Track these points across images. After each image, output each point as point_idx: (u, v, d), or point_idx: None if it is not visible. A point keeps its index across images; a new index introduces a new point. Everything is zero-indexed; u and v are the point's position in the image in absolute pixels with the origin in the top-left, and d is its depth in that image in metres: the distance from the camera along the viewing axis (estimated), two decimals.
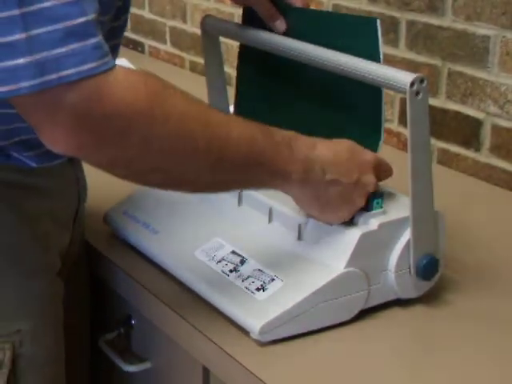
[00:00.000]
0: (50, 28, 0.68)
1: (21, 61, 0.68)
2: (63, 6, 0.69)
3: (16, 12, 0.68)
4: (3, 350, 0.87)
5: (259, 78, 1.06)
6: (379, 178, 0.90)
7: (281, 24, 0.97)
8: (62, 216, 0.95)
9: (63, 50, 0.69)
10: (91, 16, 0.70)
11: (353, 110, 0.95)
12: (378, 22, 0.89)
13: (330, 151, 0.86)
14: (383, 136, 0.92)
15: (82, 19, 0.69)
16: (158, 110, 0.74)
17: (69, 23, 0.69)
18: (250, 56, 1.06)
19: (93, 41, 0.70)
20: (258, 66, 1.06)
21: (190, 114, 0.77)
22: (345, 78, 0.90)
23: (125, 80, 0.72)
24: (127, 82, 0.72)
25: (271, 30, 0.99)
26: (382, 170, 0.90)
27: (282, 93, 1.04)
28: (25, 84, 0.69)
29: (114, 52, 0.89)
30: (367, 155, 0.89)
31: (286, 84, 1.03)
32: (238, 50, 1.08)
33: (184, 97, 0.78)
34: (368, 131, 0.93)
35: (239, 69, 1.08)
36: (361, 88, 0.91)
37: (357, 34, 0.91)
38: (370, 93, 0.91)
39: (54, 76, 0.69)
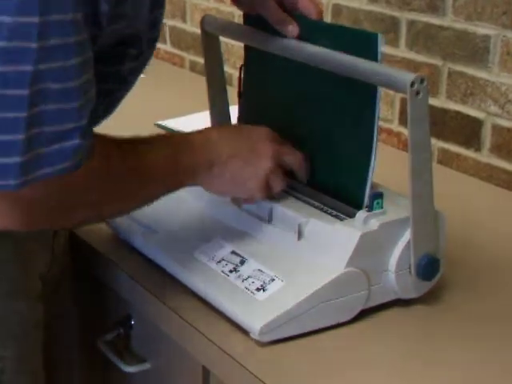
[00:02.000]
0: (44, 130, 0.72)
1: (12, 160, 0.71)
2: (64, 112, 0.73)
3: (23, 114, 0.70)
4: None
5: (263, 78, 1.06)
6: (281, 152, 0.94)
7: (293, 29, 0.97)
8: (41, 234, 0.94)
9: (47, 150, 0.73)
10: (81, 122, 0.75)
11: (346, 114, 0.95)
12: (380, 37, 0.89)
13: (219, 133, 0.92)
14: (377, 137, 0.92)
15: (72, 125, 0.74)
16: (103, 182, 0.82)
17: (61, 127, 0.73)
18: (254, 56, 1.05)
19: (74, 143, 0.74)
20: (263, 67, 1.05)
21: (117, 176, 0.83)
22: (343, 78, 0.90)
23: (83, 169, 0.77)
24: (84, 170, 0.77)
25: (273, 31, 0.98)
26: (280, 143, 0.95)
27: (282, 93, 1.03)
28: (12, 182, 0.71)
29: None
30: (256, 129, 0.95)
31: (287, 85, 1.03)
32: (238, 49, 1.08)
33: (120, 157, 0.83)
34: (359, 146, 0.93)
35: (245, 68, 1.07)
36: (356, 89, 0.91)
37: (357, 48, 0.90)
38: (365, 93, 0.91)
39: (37, 174, 0.73)
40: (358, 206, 0.91)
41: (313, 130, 0.97)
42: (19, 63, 0.69)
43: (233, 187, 0.92)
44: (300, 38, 0.95)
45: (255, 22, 1.01)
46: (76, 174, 0.75)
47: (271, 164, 0.92)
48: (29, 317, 0.91)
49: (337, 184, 0.95)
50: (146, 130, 0.91)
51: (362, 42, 0.90)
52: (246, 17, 1.04)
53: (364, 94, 0.91)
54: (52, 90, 0.71)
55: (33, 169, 0.72)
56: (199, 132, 0.92)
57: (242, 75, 1.07)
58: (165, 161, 0.87)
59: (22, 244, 0.90)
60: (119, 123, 0.98)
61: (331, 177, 0.96)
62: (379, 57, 0.88)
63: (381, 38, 0.89)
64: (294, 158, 0.95)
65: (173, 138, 0.92)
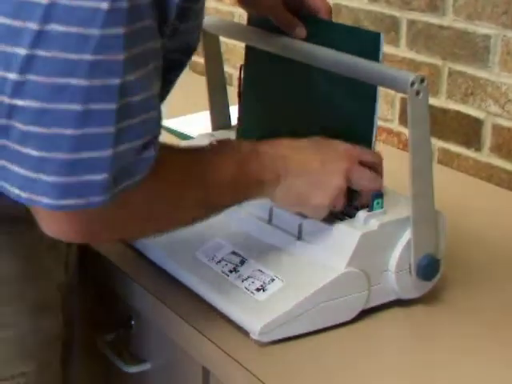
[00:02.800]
0: (133, 144, 0.71)
1: (99, 177, 0.69)
2: (148, 121, 0.72)
3: (112, 129, 0.69)
4: None
5: (263, 79, 1.06)
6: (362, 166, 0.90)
7: (301, 31, 0.96)
8: (57, 245, 0.92)
9: (131, 163, 0.72)
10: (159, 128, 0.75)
11: (347, 108, 0.95)
12: (382, 36, 0.89)
13: (287, 148, 0.88)
14: (376, 131, 0.92)
15: (153, 134, 0.74)
16: (163, 195, 0.79)
17: (147, 138, 0.73)
18: (256, 56, 1.05)
19: (152, 154, 0.74)
20: (263, 67, 1.05)
21: (186, 184, 0.81)
22: (343, 78, 0.90)
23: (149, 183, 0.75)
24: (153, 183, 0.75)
25: (277, 32, 0.98)
26: (364, 159, 0.90)
27: (283, 94, 1.03)
28: (96, 199, 0.70)
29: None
30: (333, 144, 0.90)
31: (287, 85, 1.03)
32: (238, 49, 1.08)
33: (185, 165, 0.81)
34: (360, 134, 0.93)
35: (245, 69, 1.07)
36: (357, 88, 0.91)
37: (358, 47, 0.90)
38: (365, 92, 0.91)
39: (116, 190, 0.71)
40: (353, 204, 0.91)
41: (312, 129, 0.97)
42: (107, 77, 0.67)
43: (297, 203, 0.88)
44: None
45: (259, 22, 1.00)
46: (143, 185, 0.74)
47: (340, 183, 0.87)
48: (51, 330, 0.91)
49: None
50: None
51: (363, 41, 0.90)
52: (250, 17, 1.04)
53: (363, 93, 0.91)
54: (136, 101, 0.70)
55: (117, 183, 0.71)
56: (268, 143, 0.88)
57: (242, 75, 1.07)
58: (232, 170, 0.84)
59: (40, 258, 0.89)
60: None
61: None
62: (381, 56, 0.89)
63: (382, 38, 0.89)
64: (367, 182, 0.89)
65: (241, 147, 0.87)
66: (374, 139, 0.92)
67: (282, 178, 0.86)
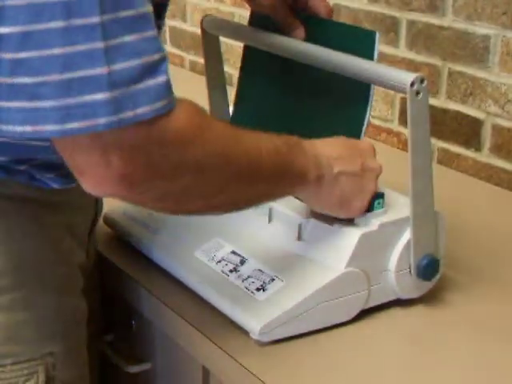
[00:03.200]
0: (130, 63, 0.67)
1: (99, 96, 0.66)
2: (143, 41, 0.68)
3: (100, 45, 0.66)
4: (36, 373, 0.86)
5: (261, 78, 1.06)
6: None
7: (299, 32, 0.96)
8: (79, 231, 0.94)
9: (140, 86, 0.67)
10: (164, 53, 0.69)
11: (341, 107, 0.95)
12: (377, 34, 0.89)
13: (329, 147, 0.87)
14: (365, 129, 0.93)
15: (157, 55, 0.69)
16: (208, 138, 0.74)
17: (146, 59, 0.68)
18: (254, 56, 1.06)
19: (164, 78, 0.69)
20: (261, 66, 1.05)
21: (229, 138, 0.78)
22: (342, 77, 0.90)
23: (182, 116, 0.71)
24: (184, 118, 0.72)
25: (276, 32, 0.98)
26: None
27: (281, 93, 1.03)
28: (103, 120, 0.66)
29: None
30: (362, 143, 0.91)
31: (286, 84, 1.03)
32: (238, 49, 1.08)
33: (219, 121, 0.79)
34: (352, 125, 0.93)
35: (243, 69, 1.07)
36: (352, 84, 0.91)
37: (354, 45, 0.91)
38: (361, 89, 0.92)
39: (130, 114, 0.67)
40: None
41: (310, 128, 0.97)
42: None
43: (338, 206, 0.88)
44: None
45: (260, 23, 1.01)
46: (176, 125, 0.70)
47: (374, 187, 0.89)
48: (75, 310, 0.91)
49: None
50: None
51: (359, 39, 0.90)
52: (252, 16, 1.04)
53: (357, 91, 0.91)
54: (125, 16, 0.67)
55: (125, 106, 0.67)
56: (309, 142, 0.86)
57: (239, 74, 1.07)
58: (277, 152, 0.81)
59: (63, 241, 0.90)
60: None
61: None
62: (375, 54, 0.89)
63: (378, 36, 0.89)
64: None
65: (285, 137, 0.84)
66: (362, 137, 0.93)
67: (325, 178, 0.85)
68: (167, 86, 0.69)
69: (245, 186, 0.80)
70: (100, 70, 0.66)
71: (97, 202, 0.99)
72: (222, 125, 0.78)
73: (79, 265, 0.94)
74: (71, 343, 0.90)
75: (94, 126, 0.66)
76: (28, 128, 0.67)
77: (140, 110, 0.67)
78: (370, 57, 0.89)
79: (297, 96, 1.01)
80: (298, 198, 0.90)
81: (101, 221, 1.07)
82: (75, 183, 0.87)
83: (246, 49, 1.06)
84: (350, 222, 0.89)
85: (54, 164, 0.85)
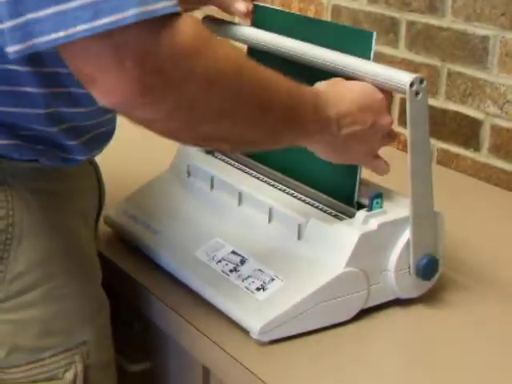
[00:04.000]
0: None
1: None
2: None
3: None
4: (74, 363, 0.87)
5: None
6: None
7: (240, 6, 0.98)
8: (88, 219, 0.95)
9: None
10: None
11: None
12: (374, 35, 0.90)
13: (344, 103, 0.87)
14: None
15: None
16: (219, 49, 0.73)
17: None
18: (257, 56, 1.06)
19: None
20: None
21: (243, 58, 0.78)
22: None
23: (189, 20, 0.70)
24: (191, 22, 0.71)
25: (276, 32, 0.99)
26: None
27: None
28: (130, 12, 0.65)
29: None
30: (378, 94, 0.89)
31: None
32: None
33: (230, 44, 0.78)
34: None
35: None
36: None
37: (350, 46, 0.91)
38: None
39: (153, 7, 0.66)
40: (350, 202, 0.92)
41: None
42: None
43: (347, 158, 0.90)
44: (294, 35, 0.96)
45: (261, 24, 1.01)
46: (186, 30, 0.69)
47: (383, 138, 0.91)
48: (99, 297, 0.92)
49: (332, 181, 0.96)
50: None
51: (356, 40, 0.91)
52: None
53: None
54: None
55: (147, 1, 0.66)
56: (323, 95, 0.86)
57: None
58: (289, 96, 0.81)
59: (78, 230, 0.90)
60: (119, 123, 0.98)
61: (326, 175, 0.96)
62: (371, 55, 0.89)
63: (375, 37, 0.89)
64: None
65: (298, 86, 0.83)
66: None
67: (333, 137, 0.86)
68: None
69: (253, 113, 0.78)
70: None
71: (100, 186, 0.98)
72: (233, 46, 0.77)
73: (95, 251, 0.95)
74: (99, 330, 0.91)
75: (122, 19, 0.65)
76: (61, 33, 0.66)
77: (160, 5, 0.66)
78: (366, 57, 0.89)
79: None
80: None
81: (101, 220, 1.07)
82: (98, 150, 0.88)
83: (249, 51, 1.07)
84: (349, 221, 0.90)
85: (80, 130, 0.85)
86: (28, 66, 0.78)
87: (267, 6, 1.05)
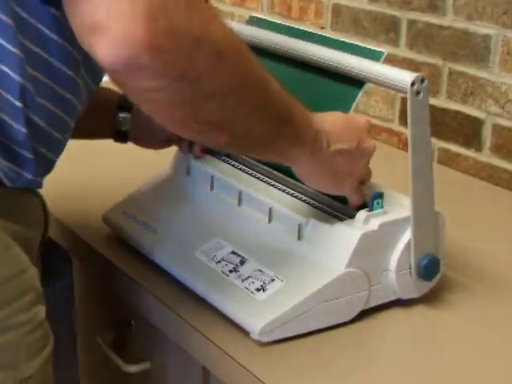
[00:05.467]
0: None
1: None
2: None
3: None
4: None
5: None
6: None
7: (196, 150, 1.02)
8: (31, 245, 0.87)
9: None
10: None
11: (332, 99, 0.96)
12: (385, 54, 0.90)
13: (329, 123, 0.87)
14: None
15: None
16: (226, 31, 0.73)
17: None
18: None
19: None
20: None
21: (245, 49, 0.76)
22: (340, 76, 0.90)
23: None
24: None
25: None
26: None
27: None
28: None
29: None
30: (360, 119, 0.90)
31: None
32: None
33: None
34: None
35: None
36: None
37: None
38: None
39: None
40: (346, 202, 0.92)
41: None
42: None
43: (331, 184, 0.89)
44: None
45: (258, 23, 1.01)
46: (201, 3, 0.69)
47: (366, 165, 0.90)
48: (44, 333, 0.85)
49: None
50: None
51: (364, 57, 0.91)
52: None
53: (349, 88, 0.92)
54: None
55: None
56: (312, 113, 0.86)
57: None
58: (285, 95, 0.80)
59: (9, 247, 0.83)
60: None
61: None
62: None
63: (384, 55, 0.90)
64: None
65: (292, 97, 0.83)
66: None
67: (321, 152, 0.85)
68: None
69: (258, 97, 0.77)
70: None
71: (46, 215, 0.92)
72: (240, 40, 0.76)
73: (36, 274, 0.86)
74: (44, 364, 0.85)
75: None
76: None
77: None
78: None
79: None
80: (293, 176, 0.90)
81: (100, 220, 1.07)
82: (44, 176, 0.84)
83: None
84: (349, 221, 0.90)
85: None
86: None
87: (275, 21, 1.05)
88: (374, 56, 0.91)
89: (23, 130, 0.79)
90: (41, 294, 0.86)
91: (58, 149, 0.87)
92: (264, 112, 0.79)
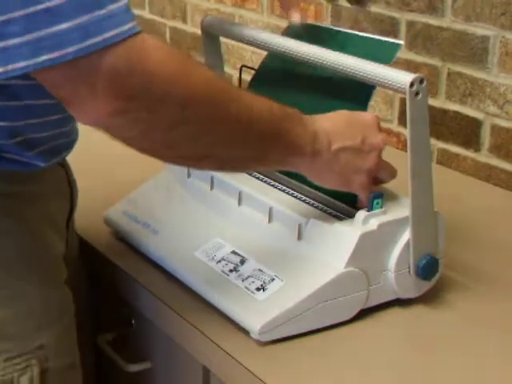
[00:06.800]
0: None
1: (64, 26, 0.67)
2: None
3: None
4: (30, 366, 0.86)
5: (271, 80, 1.06)
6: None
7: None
8: (57, 221, 0.94)
9: (102, 11, 0.68)
10: None
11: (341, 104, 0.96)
12: (402, 45, 0.92)
13: (329, 122, 0.87)
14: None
15: None
16: (191, 72, 0.74)
17: None
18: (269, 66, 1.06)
19: (125, 1, 0.70)
20: (272, 70, 1.06)
21: (217, 81, 0.78)
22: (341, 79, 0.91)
23: (154, 41, 0.72)
24: (157, 42, 0.72)
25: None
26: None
27: (281, 93, 1.04)
28: (71, 49, 0.67)
29: None
30: (366, 116, 0.90)
31: (287, 84, 1.03)
32: (238, 49, 1.08)
33: (205, 67, 0.79)
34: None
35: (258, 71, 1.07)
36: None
37: (373, 55, 0.92)
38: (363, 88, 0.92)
39: (98, 39, 0.68)
40: (350, 202, 0.92)
41: None
42: None
43: (339, 182, 0.88)
44: (322, 45, 0.95)
45: (294, 33, 1.01)
46: (151, 53, 0.71)
47: (378, 158, 0.89)
48: (60, 302, 0.91)
49: None
50: None
51: (380, 50, 0.91)
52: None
53: (358, 93, 0.92)
54: None
55: (92, 32, 0.68)
56: (309, 116, 0.85)
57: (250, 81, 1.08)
58: (271, 114, 0.80)
59: (42, 232, 0.89)
60: None
61: None
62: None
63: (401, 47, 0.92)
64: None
65: (283, 106, 0.83)
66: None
67: (323, 153, 0.85)
68: (128, 9, 0.70)
69: (233, 131, 0.79)
70: (59, 1, 0.67)
71: (71, 189, 0.97)
72: (207, 70, 0.78)
73: (61, 254, 0.93)
74: (59, 333, 0.89)
75: (63, 55, 0.67)
76: (0, 69, 0.68)
77: (108, 35, 0.68)
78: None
79: (297, 95, 1.01)
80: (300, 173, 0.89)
81: (101, 220, 1.08)
82: (58, 157, 0.87)
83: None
84: (349, 221, 0.90)
85: (35, 141, 0.85)
86: None
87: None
88: (392, 47, 0.91)
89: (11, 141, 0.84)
90: (61, 269, 0.92)
91: (63, 135, 0.90)
92: (247, 140, 0.80)
